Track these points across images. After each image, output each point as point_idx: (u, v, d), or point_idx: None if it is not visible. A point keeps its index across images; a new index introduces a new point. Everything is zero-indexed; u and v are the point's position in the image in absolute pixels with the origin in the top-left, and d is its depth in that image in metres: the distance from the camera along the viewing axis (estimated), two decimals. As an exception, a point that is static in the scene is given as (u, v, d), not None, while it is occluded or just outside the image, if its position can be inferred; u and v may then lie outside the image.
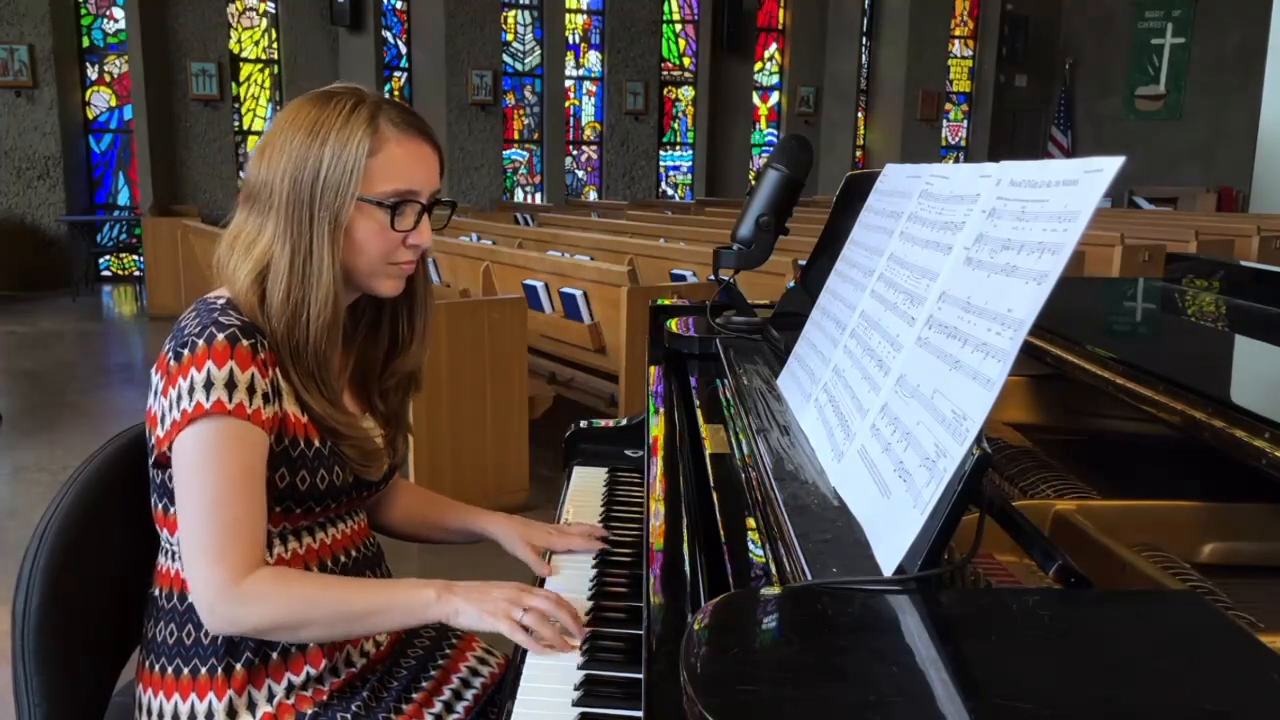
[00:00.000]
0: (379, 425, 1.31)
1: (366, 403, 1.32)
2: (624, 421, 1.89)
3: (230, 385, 1.10)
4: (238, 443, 1.11)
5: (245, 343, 1.12)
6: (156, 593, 1.23)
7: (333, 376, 1.21)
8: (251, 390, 1.12)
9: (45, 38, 9.20)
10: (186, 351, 1.11)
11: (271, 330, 1.15)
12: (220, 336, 1.11)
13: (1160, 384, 0.98)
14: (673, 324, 1.84)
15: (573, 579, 1.33)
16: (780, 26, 13.47)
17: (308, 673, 1.20)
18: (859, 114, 13.91)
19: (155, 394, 1.15)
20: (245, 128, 10.46)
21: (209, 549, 1.10)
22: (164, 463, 1.15)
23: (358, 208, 1.16)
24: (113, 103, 9.92)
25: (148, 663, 1.22)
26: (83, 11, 9.67)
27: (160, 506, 1.20)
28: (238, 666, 1.17)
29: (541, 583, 1.35)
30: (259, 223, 1.18)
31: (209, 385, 1.10)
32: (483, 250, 5.18)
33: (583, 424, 1.87)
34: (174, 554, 1.20)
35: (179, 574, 1.20)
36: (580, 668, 1.09)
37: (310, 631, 1.16)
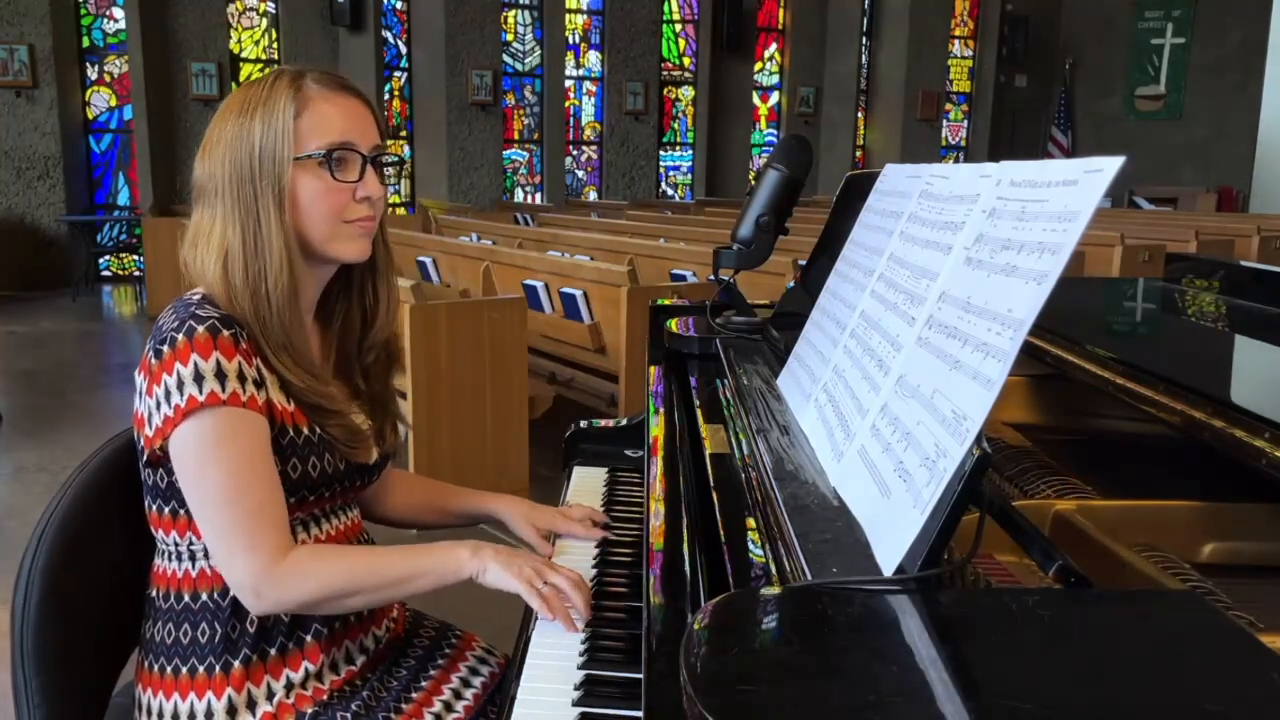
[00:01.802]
0: (366, 414, 1.32)
1: (352, 388, 1.32)
2: (624, 421, 1.89)
3: (220, 375, 1.10)
4: (240, 430, 1.11)
5: (226, 333, 1.12)
6: (153, 593, 1.23)
7: (306, 348, 1.21)
8: (241, 378, 1.12)
9: (45, 38, 9.19)
10: (167, 348, 1.11)
11: (241, 311, 1.16)
12: (200, 329, 1.11)
13: (1160, 384, 0.98)
14: (673, 324, 1.84)
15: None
16: (780, 26, 13.47)
17: (306, 669, 1.20)
18: (859, 114, 13.91)
19: (140, 395, 1.15)
20: (245, 128, 10.44)
21: (241, 539, 1.11)
22: (156, 461, 1.15)
23: (297, 168, 1.16)
24: (113, 103, 9.92)
25: (146, 663, 1.22)
26: (83, 11, 9.67)
27: (154, 507, 1.20)
28: (236, 664, 1.17)
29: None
30: (211, 213, 1.19)
31: (199, 378, 1.10)
32: (483, 250, 5.18)
33: (583, 424, 1.87)
34: (170, 554, 1.21)
35: (175, 574, 1.20)
36: (580, 668, 1.09)
37: (353, 601, 1.18)
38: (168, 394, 1.10)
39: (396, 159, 1.28)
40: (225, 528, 1.12)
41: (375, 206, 1.22)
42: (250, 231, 1.16)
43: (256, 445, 1.13)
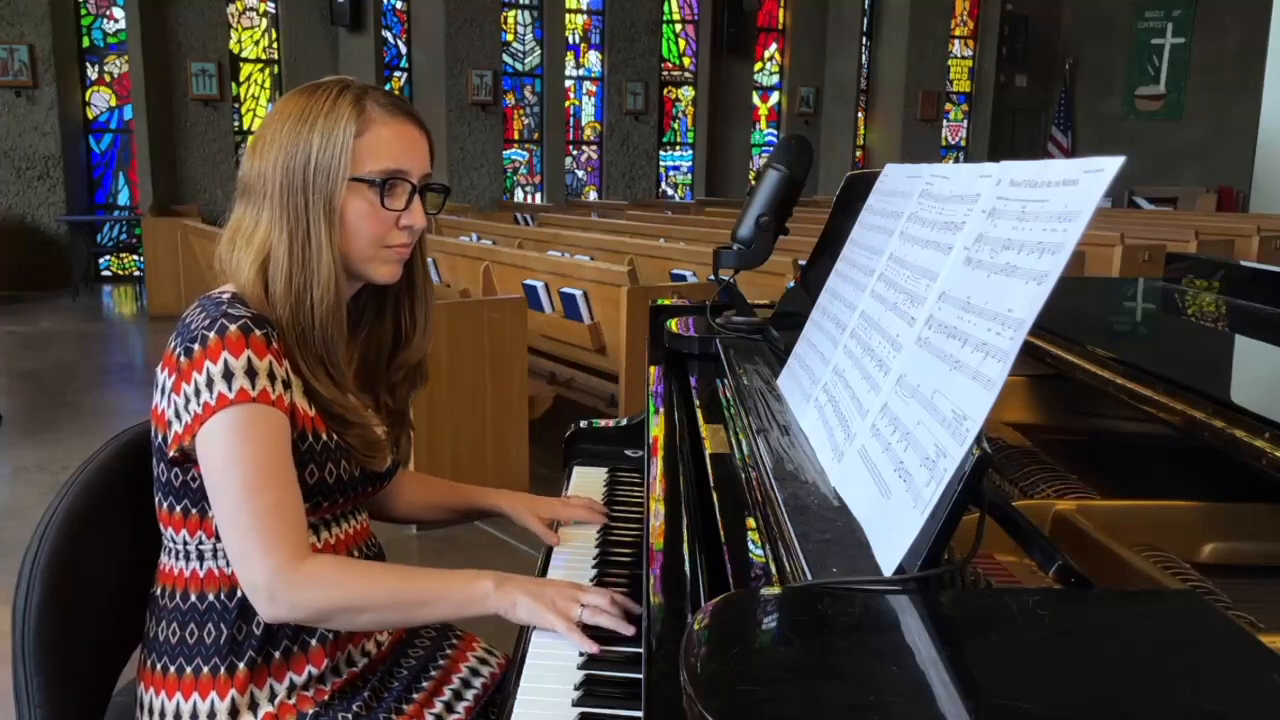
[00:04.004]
0: (383, 422, 1.32)
1: (373, 398, 1.32)
2: (624, 421, 1.89)
3: (251, 373, 1.10)
4: (266, 428, 1.11)
5: (259, 332, 1.12)
6: (158, 591, 1.23)
7: (340, 361, 1.21)
8: (271, 377, 1.12)
9: (45, 38, 9.19)
10: (198, 346, 1.11)
11: (277, 318, 1.16)
12: (233, 327, 1.11)
13: (1160, 384, 0.98)
14: (673, 324, 1.84)
15: (573, 577, 1.33)
16: (780, 26, 13.47)
17: (309, 672, 1.20)
18: (859, 114, 13.91)
19: (164, 393, 1.15)
20: (245, 128, 10.45)
21: (259, 537, 1.10)
22: (181, 460, 1.15)
23: (349, 188, 1.17)
24: (113, 103, 9.92)
25: (149, 662, 1.22)
26: (83, 11, 9.67)
27: (165, 505, 1.20)
28: (240, 665, 1.17)
29: (549, 552, 1.42)
30: (256, 214, 1.19)
31: (229, 375, 1.09)
32: (483, 250, 5.18)
33: (583, 424, 1.87)
34: (177, 553, 1.21)
35: (182, 573, 1.20)
36: (580, 668, 1.09)
37: (367, 617, 1.16)
38: (197, 391, 1.10)
39: (444, 188, 1.28)
40: (244, 525, 1.10)
41: (414, 234, 1.23)
42: (298, 242, 1.16)
43: (279, 444, 1.13)
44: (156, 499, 1.22)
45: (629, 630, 1.11)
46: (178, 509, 1.19)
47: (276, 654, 1.19)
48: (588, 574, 1.35)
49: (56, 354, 6.71)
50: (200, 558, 1.18)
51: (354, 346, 1.30)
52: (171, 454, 1.15)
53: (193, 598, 1.19)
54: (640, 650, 1.05)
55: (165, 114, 9.90)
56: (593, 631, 1.12)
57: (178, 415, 1.13)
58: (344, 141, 1.16)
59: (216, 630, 1.17)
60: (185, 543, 1.19)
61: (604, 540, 1.45)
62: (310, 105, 1.17)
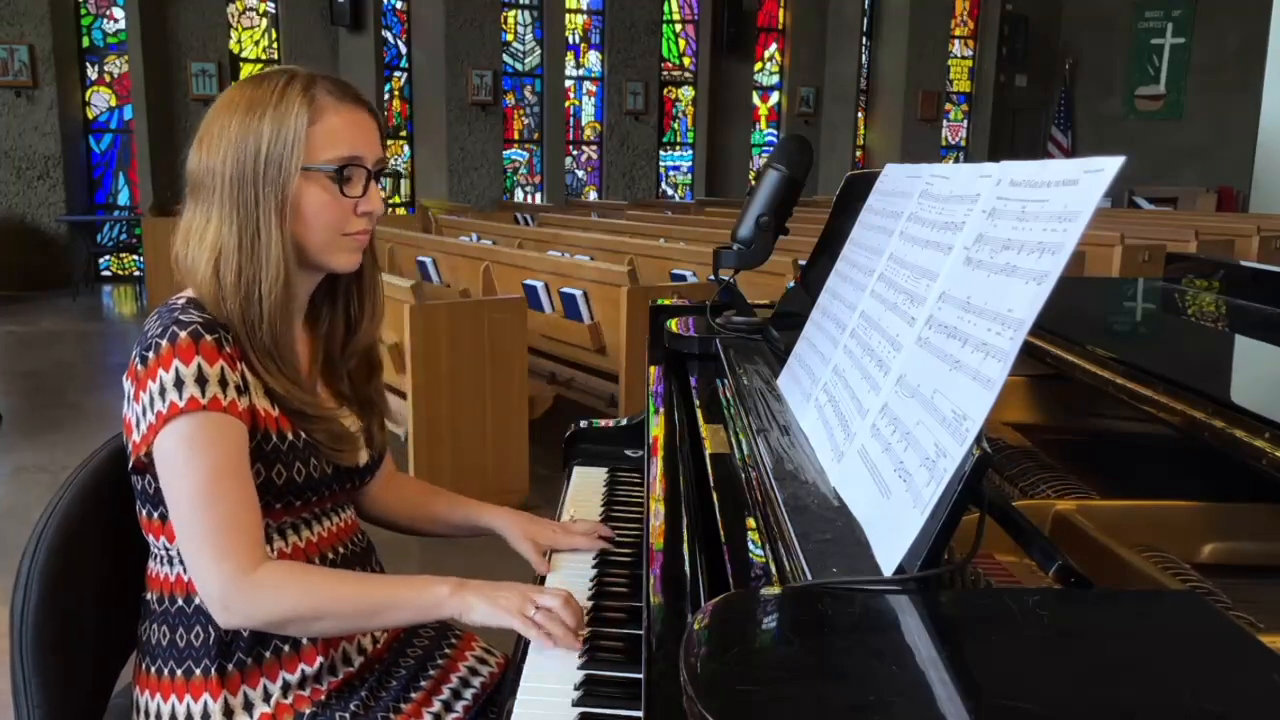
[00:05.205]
0: (355, 415, 1.31)
1: (336, 391, 1.31)
2: (624, 421, 1.89)
3: (201, 380, 1.10)
4: (219, 436, 1.11)
5: (209, 338, 1.12)
6: (149, 596, 1.23)
7: (292, 354, 1.20)
8: (223, 383, 1.11)
9: (45, 38, 9.19)
10: (151, 354, 1.10)
11: (228, 313, 1.15)
12: (183, 334, 1.11)
13: (1160, 384, 0.98)
14: (673, 324, 1.84)
15: (573, 579, 1.33)
16: (780, 26, 13.47)
17: (303, 672, 1.19)
18: (859, 114, 13.91)
19: (128, 401, 1.15)
20: (245, 128, 10.43)
21: (211, 546, 1.10)
22: (142, 468, 1.15)
23: (304, 178, 1.16)
24: (113, 103, 9.92)
25: (143, 665, 1.22)
26: (83, 11, 9.67)
27: (144, 512, 1.20)
28: (230, 667, 1.17)
29: (542, 580, 1.36)
30: (206, 210, 1.18)
31: (179, 383, 1.09)
32: (483, 250, 5.18)
33: (583, 424, 1.87)
34: (162, 558, 1.20)
35: (168, 578, 1.20)
36: (580, 668, 1.09)
37: (323, 624, 1.16)
38: (151, 400, 1.10)
39: (397, 173, 1.28)
40: (197, 535, 1.10)
41: (373, 220, 1.22)
42: (248, 234, 1.15)
43: (233, 452, 1.12)
44: (137, 506, 1.21)
45: (572, 645, 1.11)
46: (155, 515, 1.19)
47: (267, 654, 1.18)
48: (588, 573, 1.35)
49: (56, 354, 6.71)
50: (184, 562, 1.18)
51: (317, 341, 1.30)
52: (132, 462, 1.15)
53: (180, 601, 1.19)
54: (638, 641, 1.05)
55: (165, 114, 9.89)
56: (598, 617, 1.12)
57: (137, 424, 1.13)
58: (296, 132, 1.15)
59: (205, 633, 1.17)
60: (167, 548, 1.19)
61: (607, 539, 1.45)
62: (258, 96, 1.17)
